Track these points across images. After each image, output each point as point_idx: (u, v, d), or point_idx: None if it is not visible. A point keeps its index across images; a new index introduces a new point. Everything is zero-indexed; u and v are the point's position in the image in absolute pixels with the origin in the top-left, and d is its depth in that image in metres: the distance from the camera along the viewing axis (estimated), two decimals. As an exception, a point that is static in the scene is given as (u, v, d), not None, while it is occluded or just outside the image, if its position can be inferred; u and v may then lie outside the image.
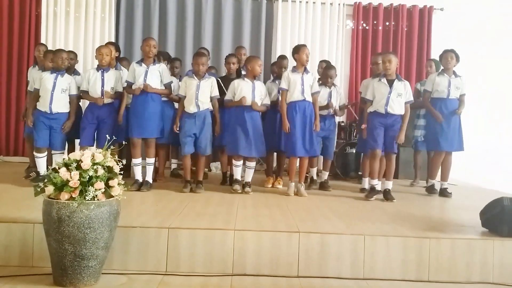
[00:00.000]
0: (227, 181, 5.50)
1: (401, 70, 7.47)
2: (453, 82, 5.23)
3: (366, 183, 5.36)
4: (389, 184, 4.90)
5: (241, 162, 5.05)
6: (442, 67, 5.38)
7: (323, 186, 5.51)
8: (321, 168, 5.76)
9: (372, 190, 4.91)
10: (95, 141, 4.93)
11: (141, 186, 4.86)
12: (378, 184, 4.98)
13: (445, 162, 5.33)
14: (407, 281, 3.21)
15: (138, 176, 4.90)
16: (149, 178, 4.94)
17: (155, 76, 4.87)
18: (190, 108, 4.87)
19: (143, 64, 4.87)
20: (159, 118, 4.95)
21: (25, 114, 5.37)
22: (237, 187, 4.94)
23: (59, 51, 5.19)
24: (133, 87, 4.86)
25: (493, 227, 3.50)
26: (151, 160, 4.97)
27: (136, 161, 4.92)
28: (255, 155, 5.01)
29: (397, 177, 6.28)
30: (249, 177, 5.08)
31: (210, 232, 3.27)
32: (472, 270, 3.27)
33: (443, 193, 5.28)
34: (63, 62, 4.95)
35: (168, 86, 5.00)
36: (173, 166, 6.20)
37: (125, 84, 4.99)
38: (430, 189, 5.41)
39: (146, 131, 4.85)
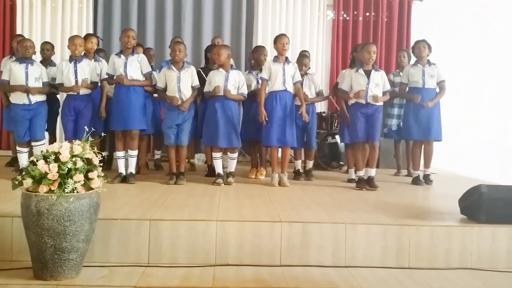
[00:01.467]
0: (212, 172, 5.46)
1: (381, 60, 7.52)
2: (427, 71, 5.26)
3: (352, 174, 5.39)
4: (372, 172, 4.95)
5: (220, 154, 5.01)
6: (415, 59, 5.41)
7: (307, 174, 5.53)
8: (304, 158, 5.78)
9: (362, 181, 4.93)
10: (74, 133, 4.87)
11: (124, 179, 4.82)
12: (363, 174, 5.02)
13: (425, 151, 5.39)
14: (388, 268, 3.24)
15: (122, 169, 4.86)
16: (132, 169, 4.90)
17: (135, 66, 4.82)
18: (173, 100, 4.82)
19: (122, 56, 4.82)
20: (142, 109, 4.89)
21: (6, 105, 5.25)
22: (219, 180, 4.90)
23: (23, 40, 5.14)
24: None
25: (472, 214, 3.56)
26: (134, 152, 4.92)
27: (120, 153, 4.89)
28: (225, 146, 4.96)
29: (378, 167, 6.32)
30: (231, 168, 5.07)
31: (192, 223, 3.26)
32: (451, 256, 3.33)
33: (425, 179, 5.35)
34: (27, 51, 4.86)
35: (147, 76, 4.94)
36: (156, 157, 6.15)
37: (106, 77, 4.95)
38: (415, 181, 5.40)
39: (129, 123, 4.80)
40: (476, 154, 7.44)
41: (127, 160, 4.92)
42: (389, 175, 6.03)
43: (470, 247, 3.35)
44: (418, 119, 5.25)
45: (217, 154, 5.00)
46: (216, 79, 4.91)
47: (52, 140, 5.51)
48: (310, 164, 5.65)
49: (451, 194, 4.27)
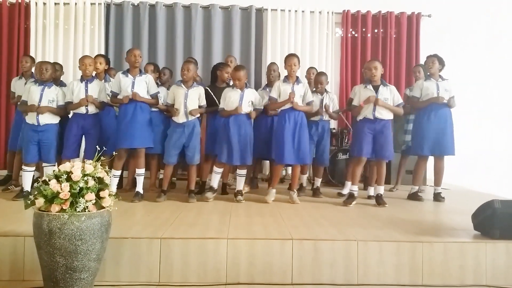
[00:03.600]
0: (225, 190, 5.48)
1: (391, 76, 7.54)
2: (441, 85, 5.27)
3: (347, 188, 5.38)
4: (381, 189, 4.93)
5: (221, 170, 5.05)
6: (428, 73, 5.42)
7: (315, 193, 5.52)
8: (313, 175, 5.77)
9: (351, 196, 4.92)
10: (84, 153, 4.90)
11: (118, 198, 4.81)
12: (356, 191, 4.98)
13: (435, 167, 5.36)
14: (401, 285, 3.21)
15: (113, 188, 4.84)
16: (140, 188, 4.91)
17: (142, 87, 4.85)
18: (179, 118, 4.86)
19: (129, 75, 4.85)
20: (148, 127, 4.92)
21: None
22: (209, 194, 4.92)
23: (40, 62, 5.20)
24: (119, 97, 4.84)
25: (485, 230, 3.51)
26: (142, 170, 4.94)
27: (116, 172, 4.87)
28: (239, 163, 4.98)
29: (389, 183, 6.29)
30: (240, 186, 5.08)
31: (203, 242, 3.26)
32: (465, 273, 3.28)
33: (437, 197, 5.30)
34: (42, 73, 4.88)
35: (154, 96, 4.98)
36: (161, 176, 6.10)
37: (110, 95, 4.99)
38: (413, 196, 5.36)
39: (136, 141, 4.81)
40: (487, 167, 7.37)
41: (135, 179, 4.93)
42: (405, 191, 5.96)
43: (485, 263, 3.30)
44: (431, 134, 5.23)
45: (218, 169, 5.03)
46: (232, 98, 4.95)
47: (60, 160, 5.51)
48: (317, 182, 5.64)
49: (464, 210, 4.22)
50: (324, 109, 5.42)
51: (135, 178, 5.06)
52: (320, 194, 5.48)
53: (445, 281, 3.25)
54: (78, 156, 4.95)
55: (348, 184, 5.42)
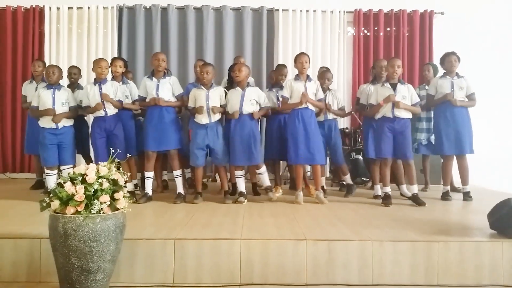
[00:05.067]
0: (256, 191, 5.50)
1: (404, 74, 7.45)
2: (456, 82, 5.20)
3: (378, 190, 5.31)
4: (415, 188, 4.91)
5: (242, 172, 5.04)
6: (444, 71, 5.35)
7: (349, 189, 5.53)
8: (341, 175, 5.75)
9: (388, 197, 4.87)
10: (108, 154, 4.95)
11: (150, 198, 4.89)
12: (390, 191, 4.94)
13: (460, 166, 5.29)
14: (416, 285, 3.19)
15: (148, 190, 4.93)
16: (181, 189, 4.98)
17: (167, 89, 4.94)
18: (202, 119, 4.89)
19: (153, 78, 4.94)
20: (175, 129, 4.97)
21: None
22: (241, 199, 4.90)
23: (48, 66, 5.32)
24: (147, 100, 4.95)
25: (502, 228, 3.47)
26: (178, 172, 5.00)
27: (149, 174, 4.96)
28: (243, 164, 4.98)
29: (403, 182, 6.22)
30: (266, 182, 5.12)
31: (217, 242, 3.26)
32: (481, 273, 3.24)
33: (465, 197, 5.25)
34: (50, 77, 4.98)
35: (179, 97, 5.04)
36: (187, 175, 6.09)
37: (137, 98, 5.11)
38: (444, 196, 5.32)
39: (164, 143, 4.88)
40: (502, 166, 7.27)
41: (154, 180, 4.97)
42: (433, 191, 5.90)
43: (501, 263, 3.26)
44: (449, 133, 5.18)
45: (239, 173, 5.02)
46: (233, 99, 4.95)
47: (88, 162, 5.57)
48: (347, 179, 5.59)
49: (479, 209, 4.18)
50: (326, 109, 5.37)
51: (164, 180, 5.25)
52: (352, 192, 5.47)
53: (461, 281, 3.22)
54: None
55: (377, 187, 5.34)
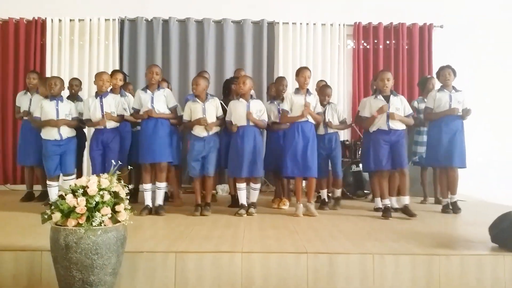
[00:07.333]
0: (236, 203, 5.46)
1: (404, 87, 7.52)
2: (454, 96, 5.23)
3: (379, 202, 5.29)
4: (406, 200, 4.89)
5: (244, 185, 5.00)
6: (441, 84, 5.38)
7: (335, 202, 5.53)
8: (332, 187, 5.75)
9: (387, 210, 4.87)
10: (102, 166, 4.97)
11: (151, 211, 4.88)
12: (389, 204, 4.95)
13: (449, 177, 5.28)
14: (418, 299, 3.17)
15: (148, 202, 4.92)
16: (161, 201, 4.97)
17: (161, 101, 4.94)
18: (200, 132, 4.90)
19: (148, 91, 4.95)
20: (169, 142, 4.98)
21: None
22: (241, 211, 4.89)
23: (50, 77, 5.38)
24: (141, 112, 4.95)
25: (503, 242, 3.46)
26: (162, 184, 4.98)
27: (147, 186, 4.96)
28: (247, 175, 4.95)
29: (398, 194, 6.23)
30: (253, 198, 5.09)
31: (217, 255, 3.26)
32: (483, 286, 3.23)
33: (453, 207, 5.25)
34: (52, 88, 5.03)
35: (173, 109, 5.05)
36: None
37: (132, 111, 5.11)
38: (444, 209, 5.32)
39: (157, 155, 4.88)
40: (501, 178, 7.27)
41: (153, 193, 4.97)
42: (416, 203, 5.92)
43: (503, 276, 3.25)
44: (441, 145, 5.19)
45: (241, 185, 5.00)
46: (240, 110, 4.95)
47: (79, 174, 5.60)
48: (337, 192, 5.61)
49: (480, 222, 4.17)
50: (326, 125, 5.39)
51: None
52: (338, 206, 5.46)
53: (463, 294, 3.21)
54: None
55: (378, 199, 5.29)
